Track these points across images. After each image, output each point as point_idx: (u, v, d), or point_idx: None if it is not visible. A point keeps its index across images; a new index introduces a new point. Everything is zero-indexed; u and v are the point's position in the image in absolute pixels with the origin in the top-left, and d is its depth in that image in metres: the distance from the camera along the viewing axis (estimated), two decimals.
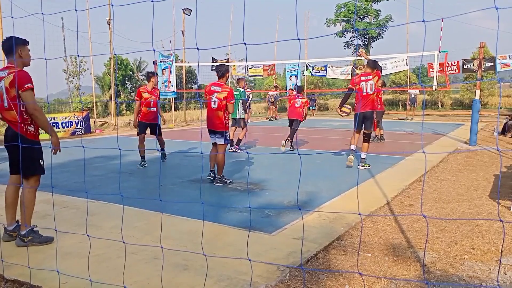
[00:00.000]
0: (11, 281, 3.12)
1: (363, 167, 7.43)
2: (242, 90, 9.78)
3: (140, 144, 7.75)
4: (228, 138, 6.41)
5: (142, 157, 7.78)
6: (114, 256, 3.53)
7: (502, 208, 5.00)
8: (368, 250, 3.71)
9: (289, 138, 9.33)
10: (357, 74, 7.81)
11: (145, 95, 7.77)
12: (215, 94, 6.11)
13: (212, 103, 6.12)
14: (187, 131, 16.14)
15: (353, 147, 7.47)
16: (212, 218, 4.58)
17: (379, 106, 11.79)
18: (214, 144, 6.36)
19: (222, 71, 6.27)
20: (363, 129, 7.48)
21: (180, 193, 5.84)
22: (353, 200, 5.19)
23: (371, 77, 7.24)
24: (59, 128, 13.77)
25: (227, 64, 20.50)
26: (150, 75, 8.01)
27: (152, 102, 7.79)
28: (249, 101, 22.87)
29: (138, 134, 7.88)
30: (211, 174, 6.40)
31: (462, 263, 3.41)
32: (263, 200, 5.36)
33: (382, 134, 11.63)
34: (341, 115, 7.74)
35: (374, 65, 7.43)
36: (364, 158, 7.54)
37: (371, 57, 9.51)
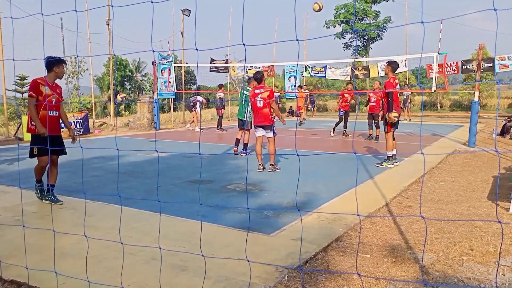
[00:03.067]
0: (9, 282, 3.11)
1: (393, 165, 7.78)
2: None
3: (41, 170, 5.25)
4: (276, 131, 7.40)
5: (41, 190, 5.33)
6: (111, 256, 3.52)
7: (501, 209, 5.00)
8: (367, 251, 3.71)
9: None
10: (392, 77, 7.69)
11: (47, 90, 5.04)
12: (259, 95, 7.20)
13: (258, 102, 7.20)
14: (186, 131, 16.13)
15: (393, 152, 7.79)
16: (210, 219, 4.57)
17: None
18: (259, 138, 7.41)
19: (259, 77, 7.31)
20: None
21: (178, 194, 5.83)
22: (352, 201, 5.19)
23: (398, 81, 7.82)
24: None
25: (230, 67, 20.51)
26: (56, 62, 5.09)
27: (54, 103, 5.16)
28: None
29: (38, 154, 5.10)
30: (260, 167, 7.35)
31: (461, 264, 3.40)
32: (262, 201, 5.35)
33: (378, 135, 11.83)
34: (393, 120, 7.52)
35: (397, 67, 8.14)
36: (395, 154, 7.91)
37: (370, 59, 9.69)
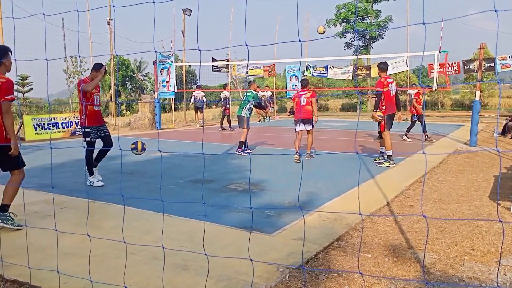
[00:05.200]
0: (11, 281, 3.12)
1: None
2: (254, 92, 9.54)
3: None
4: (314, 125, 8.54)
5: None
6: (113, 256, 3.53)
7: (502, 209, 5.00)
8: (368, 250, 3.71)
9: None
10: (383, 77, 7.88)
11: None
12: (303, 95, 8.52)
13: (302, 101, 8.51)
14: (187, 131, 16.14)
15: (390, 152, 7.84)
16: (211, 218, 4.57)
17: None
18: (300, 132, 8.42)
19: (305, 83, 8.75)
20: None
21: (179, 194, 5.84)
22: (353, 200, 5.19)
23: (392, 80, 7.99)
24: (59, 128, 13.77)
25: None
26: (4, 52, 4.28)
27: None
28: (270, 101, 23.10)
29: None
30: (297, 156, 8.31)
31: (462, 264, 3.41)
32: (263, 201, 5.36)
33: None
34: (377, 119, 7.74)
35: (387, 68, 8.14)
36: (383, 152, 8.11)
37: (372, 58, 9.94)
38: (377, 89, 7.84)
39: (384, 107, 7.70)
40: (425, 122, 12.82)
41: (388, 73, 8.25)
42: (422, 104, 11.41)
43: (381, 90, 7.65)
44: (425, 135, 11.58)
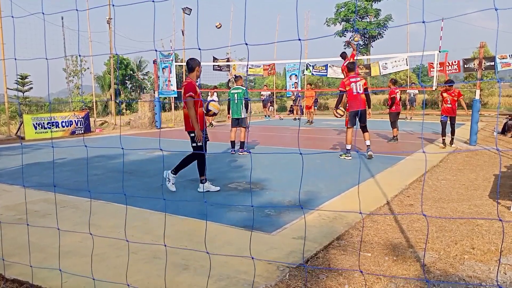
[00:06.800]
0: (11, 281, 3.12)
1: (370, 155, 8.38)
2: (244, 88, 9.27)
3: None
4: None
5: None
6: (113, 255, 3.54)
7: (502, 207, 5.01)
8: (368, 249, 3.72)
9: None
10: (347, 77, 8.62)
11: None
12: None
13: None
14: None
15: (348, 147, 8.43)
16: (211, 217, 4.58)
17: (394, 107, 11.60)
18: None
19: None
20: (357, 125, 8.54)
21: (179, 193, 5.85)
22: (353, 199, 5.20)
23: (359, 78, 8.49)
24: (59, 127, 13.77)
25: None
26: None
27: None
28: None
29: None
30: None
31: (462, 262, 3.41)
32: (263, 200, 5.36)
33: (396, 135, 11.32)
34: (336, 116, 8.74)
35: (354, 68, 8.72)
36: (369, 145, 8.52)
37: (372, 58, 10.38)
38: (339, 89, 8.51)
39: (347, 105, 8.37)
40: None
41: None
42: (447, 103, 10.01)
43: (343, 89, 8.32)
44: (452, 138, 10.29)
